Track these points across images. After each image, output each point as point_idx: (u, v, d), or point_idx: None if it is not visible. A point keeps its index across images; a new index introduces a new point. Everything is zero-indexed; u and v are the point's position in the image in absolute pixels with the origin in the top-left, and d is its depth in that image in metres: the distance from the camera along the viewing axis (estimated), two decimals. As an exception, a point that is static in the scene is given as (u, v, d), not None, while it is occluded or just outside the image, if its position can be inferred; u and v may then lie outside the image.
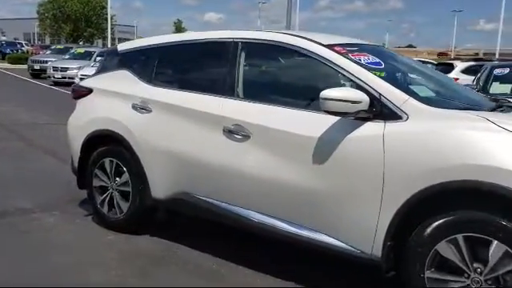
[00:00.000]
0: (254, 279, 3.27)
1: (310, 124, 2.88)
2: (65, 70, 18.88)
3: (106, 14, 40.55)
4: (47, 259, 3.45)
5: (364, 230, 2.69)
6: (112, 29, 39.83)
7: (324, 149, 2.78)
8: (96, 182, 4.06)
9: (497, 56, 28.44)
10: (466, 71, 12.88)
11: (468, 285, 2.40)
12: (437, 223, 2.46)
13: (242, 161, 3.15)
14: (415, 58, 11.36)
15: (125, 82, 3.91)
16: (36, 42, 59.11)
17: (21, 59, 29.99)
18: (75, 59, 20.08)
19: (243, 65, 3.33)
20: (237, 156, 3.17)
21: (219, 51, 3.45)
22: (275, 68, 3.51)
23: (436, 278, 2.49)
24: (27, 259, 3.43)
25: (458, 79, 10.80)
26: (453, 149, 2.42)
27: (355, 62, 2.90)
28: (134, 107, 3.74)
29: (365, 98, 2.64)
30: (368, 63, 2.94)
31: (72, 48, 23.84)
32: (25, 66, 24.63)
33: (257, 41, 3.37)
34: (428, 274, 2.50)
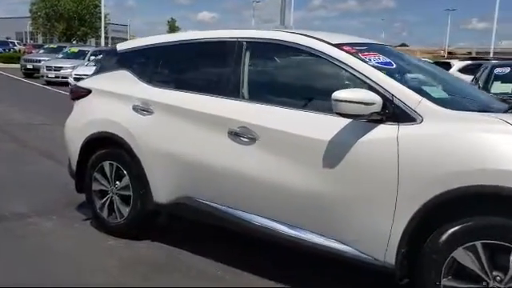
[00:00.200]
0: (258, 285, 3.19)
1: (320, 126, 2.78)
2: (58, 69, 18.68)
3: (100, 13, 40.19)
4: (45, 266, 3.33)
5: (377, 237, 2.60)
6: (106, 28, 39.50)
7: (335, 152, 2.69)
8: (95, 186, 3.94)
9: (491, 55, 28.50)
10: (463, 70, 12.84)
11: None
12: (453, 229, 2.37)
13: (247, 164, 3.05)
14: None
15: (125, 82, 3.79)
16: (28, 41, 58.60)
17: (13, 58, 29.67)
18: (69, 58, 19.87)
19: (248, 65, 3.23)
20: (242, 159, 3.07)
21: (223, 51, 3.35)
22: (281, 68, 3.39)
23: (453, 286, 2.40)
24: (24, 266, 3.31)
25: (455, 78, 10.71)
26: (470, 152, 2.34)
27: (366, 62, 2.81)
28: (135, 109, 3.63)
29: (378, 99, 2.55)
30: (378, 63, 2.85)
31: (65, 47, 23.60)
32: (17, 66, 24.36)
33: (262, 40, 3.26)
34: (444, 281, 2.41)
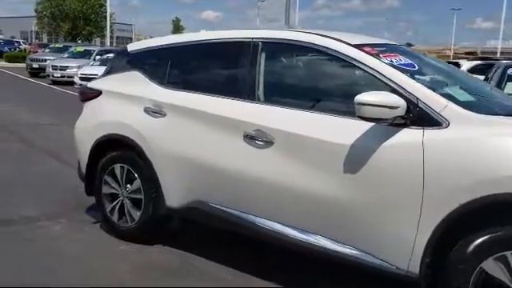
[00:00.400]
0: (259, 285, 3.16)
1: (340, 130, 2.69)
2: (64, 68, 18.67)
3: (105, 12, 40.16)
4: (56, 271, 3.26)
5: (400, 245, 2.50)
6: (111, 27, 39.48)
7: (356, 157, 2.59)
8: (105, 189, 3.86)
9: (498, 54, 28.30)
10: (472, 70, 12.70)
11: None
12: (482, 239, 2.28)
13: (263, 168, 2.96)
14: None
15: (136, 83, 3.71)
16: (33, 40, 58.73)
17: (18, 58, 29.75)
18: (74, 58, 19.88)
19: (264, 66, 3.14)
20: (258, 163, 2.98)
21: (238, 52, 3.25)
22: (298, 70, 3.30)
23: (481, 297, 2.31)
24: (34, 270, 3.24)
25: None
26: (500, 158, 2.24)
27: (388, 64, 2.71)
28: (147, 111, 3.55)
29: (402, 102, 2.46)
30: (400, 65, 2.76)
31: (71, 46, 23.60)
32: (22, 65, 24.40)
33: (278, 40, 3.17)
34: (472, 292, 2.32)
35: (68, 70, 18.45)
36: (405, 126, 2.50)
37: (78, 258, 3.49)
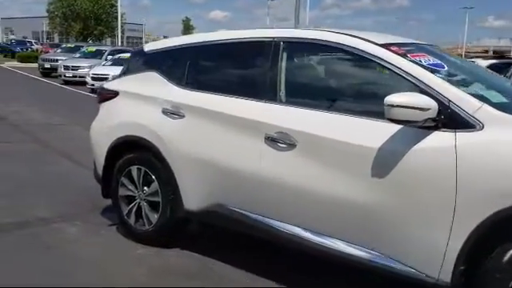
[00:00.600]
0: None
1: (367, 132, 2.60)
2: (76, 68, 18.71)
3: (116, 12, 40.25)
4: (73, 276, 3.19)
5: (431, 252, 2.41)
6: (122, 27, 39.60)
7: (385, 160, 2.50)
8: (122, 191, 3.80)
9: (512, 53, 27.90)
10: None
11: None
12: (519, 247, 2.18)
13: (285, 171, 2.88)
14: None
15: (153, 84, 3.64)
16: (45, 40, 59.16)
17: (30, 58, 29.95)
18: (86, 58, 19.92)
19: (286, 66, 3.05)
20: (280, 166, 2.90)
21: (258, 52, 3.17)
22: (322, 70, 3.21)
23: (519, 307, 2.21)
24: (51, 276, 3.18)
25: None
26: None
27: (417, 64, 2.61)
28: (165, 112, 3.48)
29: (433, 104, 2.36)
30: (429, 65, 2.66)
31: (82, 46, 23.67)
32: (34, 65, 24.53)
33: (301, 40, 3.09)
34: (510, 302, 2.22)
35: (80, 70, 18.48)
36: (436, 128, 2.40)
37: (95, 262, 3.43)
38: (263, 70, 3.12)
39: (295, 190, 2.84)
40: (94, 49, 21.96)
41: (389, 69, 2.66)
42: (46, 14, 48.32)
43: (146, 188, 3.65)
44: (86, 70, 17.93)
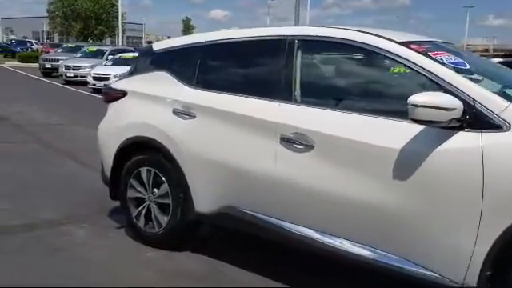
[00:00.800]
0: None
1: (389, 133, 2.52)
2: (77, 68, 18.63)
3: (117, 12, 40.13)
4: (82, 279, 3.11)
5: (455, 257, 2.33)
6: (122, 27, 39.47)
7: (407, 162, 2.42)
8: (131, 193, 3.72)
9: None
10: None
11: None
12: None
13: (302, 173, 2.80)
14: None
15: (163, 84, 3.56)
16: (45, 40, 59.05)
17: (31, 58, 29.86)
18: (87, 58, 19.83)
19: (301, 65, 2.97)
20: (297, 168, 2.82)
21: (272, 50, 3.09)
22: (340, 69, 3.12)
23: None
24: (60, 279, 3.10)
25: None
26: None
27: (439, 63, 2.53)
28: (175, 112, 3.40)
29: (459, 104, 2.28)
30: (451, 63, 2.58)
31: (83, 46, 23.59)
32: (35, 65, 24.46)
33: (316, 38, 3.00)
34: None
35: (81, 70, 18.39)
36: (460, 129, 2.33)
37: (103, 265, 3.35)
38: (277, 68, 3.04)
39: (312, 192, 2.76)
40: (94, 48, 21.89)
41: (410, 67, 2.58)
42: (47, 14, 48.21)
43: (155, 190, 3.58)
44: (88, 69, 17.86)
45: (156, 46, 3.88)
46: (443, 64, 2.53)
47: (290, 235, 2.92)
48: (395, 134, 2.49)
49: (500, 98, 2.35)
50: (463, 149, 2.29)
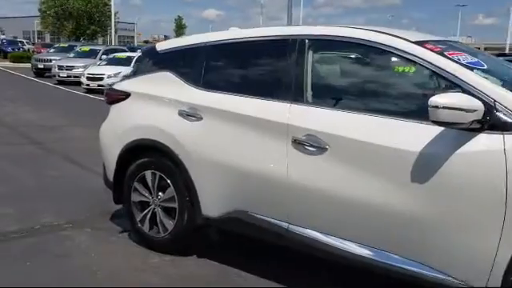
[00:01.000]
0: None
1: (406, 135, 2.45)
2: (70, 68, 18.45)
3: (109, 11, 39.81)
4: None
5: (476, 262, 2.27)
6: (115, 26, 39.11)
7: (426, 165, 2.35)
8: (135, 197, 3.63)
9: (507, 50, 28.00)
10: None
11: None
12: None
13: (315, 176, 2.73)
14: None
15: (168, 85, 3.47)
16: (36, 40, 58.53)
17: (23, 58, 29.53)
18: (80, 58, 19.65)
19: (312, 65, 2.89)
20: (309, 171, 2.75)
21: (281, 50, 3.01)
22: (353, 69, 3.04)
23: None
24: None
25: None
26: None
27: (456, 63, 2.47)
28: (181, 114, 3.31)
29: (480, 105, 2.22)
30: (468, 63, 2.52)
31: (76, 46, 23.36)
32: (27, 65, 24.23)
33: (328, 37, 2.92)
34: None
35: (74, 70, 18.23)
36: (480, 130, 2.27)
37: (108, 271, 3.26)
38: (287, 69, 2.96)
39: (326, 195, 2.69)
40: (88, 48, 21.68)
41: (427, 68, 2.51)
42: (38, 14, 47.69)
43: (160, 193, 3.49)
44: (81, 69, 17.70)
45: (159, 47, 3.78)
46: (461, 64, 2.47)
47: (303, 240, 2.85)
48: (413, 136, 2.42)
49: (522, 98, 2.29)
50: (485, 151, 2.23)
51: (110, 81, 15.94)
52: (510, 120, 2.23)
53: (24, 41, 44.70)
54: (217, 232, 3.47)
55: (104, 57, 19.09)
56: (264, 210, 3.01)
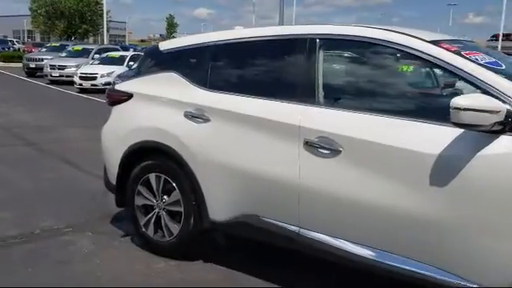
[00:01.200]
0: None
1: (424, 138, 2.38)
2: (62, 68, 18.26)
3: (101, 10, 39.45)
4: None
5: (500, 268, 2.21)
6: (107, 25, 38.77)
7: (446, 168, 2.29)
8: (139, 201, 3.54)
9: (499, 49, 28.16)
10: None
11: None
12: None
13: (329, 180, 2.65)
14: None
15: (173, 86, 3.38)
16: (26, 39, 58.00)
17: (14, 57, 29.17)
18: (72, 57, 19.45)
19: (324, 65, 2.82)
20: (322, 174, 2.67)
21: (293, 50, 2.93)
22: (367, 69, 2.95)
23: None
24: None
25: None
26: None
27: (475, 63, 2.41)
28: (187, 115, 3.22)
29: (503, 106, 2.16)
30: (487, 63, 2.45)
31: (68, 45, 23.11)
32: (18, 65, 23.96)
33: (340, 37, 2.84)
34: None
35: (66, 70, 18.05)
36: (502, 132, 2.20)
37: (112, 277, 3.17)
38: (298, 69, 2.88)
39: (339, 198, 2.62)
40: (80, 47, 21.48)
41: (444, 68, 2.45)
42: (28, 13, 47.17)
43: (165, 197, 3.40)
44: (73, 69, 17.53)
45: (163, 46, 3.69)
46: (479, 64, 2.41)
47: (315, 244, 2.77)
48: (431, 138, 2.36)
49: (545, 100, 2.23)
50: (507, 153, 2.17)
51: (103, 80, 15.85)
52: (532, 122, 2.17)
53: (14, 40, 44.24)
54: (223, 236, 3.36)
55: (97, 56, 18.92)
56: (274, 213, 2.94)
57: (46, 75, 18.44)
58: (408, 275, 2.48)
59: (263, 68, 3.18)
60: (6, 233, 3.82)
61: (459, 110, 2.13)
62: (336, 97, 2.78)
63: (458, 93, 2.44)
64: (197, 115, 3.19)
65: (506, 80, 2.31)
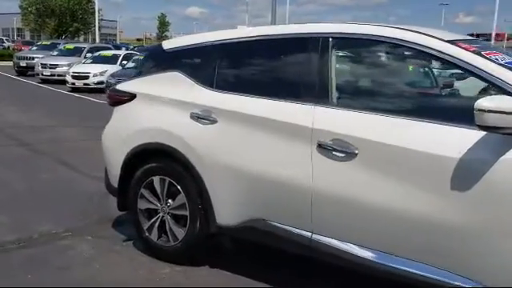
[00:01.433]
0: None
1: (444, 140, 2.30)
2: (54, 67, 18.04)
3: (92, 8, 39.10)
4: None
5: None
6: (99, 23, 38.41)
7: (468, 171, 2.22)
8: (142, 204, 3.42)
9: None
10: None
11: None
12: None
13: (344, 184, 2.56)
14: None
15: (178, 86, 3.28)
16: (16, 37, 57.38)
17: (3, 56, 28.82)
18: (64, 56, 19.22)
19: (337, 65, 2.73)
20: (337, 178, 2.58)
21: (303, 49, 2.84)
22: (383, 70, 2.87)
23: None
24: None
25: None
26: None
27: (495, 63, 2.34)
28: (193, 116, 3.12)
29: None
30: (507, 63, 2.38)
31: (59, 44, 22.84)
32: (8, 63, 23.66)
33: (353, 36, 2.75)
34: None
35: (58, 69, 17.83)
36: None
37: (115, 284, 3.06)
38: (310, 69, 2.78)
39: (355, 203, 2.53)
40: (72, 46, 21.25)
41: (464, 68, 2.38)
42: (18, 11, 46.60)
43: (170, 200, 3.30)
44: (65, 68, 17.33)
45: (166, 45, 3.58)
46: (500, 64, 2.33)
47: (330, 250, 2.68)
48: (452, 141, 2.28)
49: None
50: None
51: (95, 79, 15.68)
52: (558, 124, 2.10)
53: (4, 38, 43.72)
54: (230, 240, 3.27)
55: (89, 55, 18.73)
56: (285, 218, 2.85)
57: (38, 74, 18.21)
58: (431, 282, 2.39)
59: (274, 68, 3.09)
60: (3, 238, 3.69)
61: (483, 112, 2.05)
62: (349, 97, 2.71)
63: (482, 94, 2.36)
64: (203, 116, 3.09)
65: (528, 80, 2.24)
